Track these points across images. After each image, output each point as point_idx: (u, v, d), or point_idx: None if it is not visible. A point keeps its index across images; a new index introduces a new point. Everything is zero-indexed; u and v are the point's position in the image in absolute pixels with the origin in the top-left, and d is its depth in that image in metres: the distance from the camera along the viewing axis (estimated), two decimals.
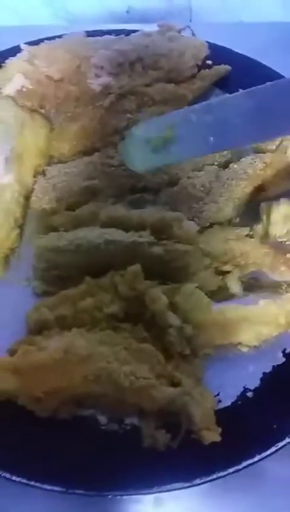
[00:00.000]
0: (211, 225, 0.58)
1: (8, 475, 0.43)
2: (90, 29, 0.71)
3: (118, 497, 0.44)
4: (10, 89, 0.65)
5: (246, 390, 0.49)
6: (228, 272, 0.55)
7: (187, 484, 0.43)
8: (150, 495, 0.48)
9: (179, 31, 0.70)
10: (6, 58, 0.67)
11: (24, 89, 0.65)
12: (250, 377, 0.50)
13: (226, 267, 0.53)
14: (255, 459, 0.44)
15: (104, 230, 0.54)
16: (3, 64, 0.67)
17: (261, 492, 0.49)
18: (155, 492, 0.43)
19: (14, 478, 0.43)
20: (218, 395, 0.48)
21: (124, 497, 0.46)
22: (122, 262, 0.52)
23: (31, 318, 0.51)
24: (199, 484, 0.43)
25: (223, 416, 0.46)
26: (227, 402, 0.48)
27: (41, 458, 0.44)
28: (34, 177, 0.61)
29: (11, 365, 0.46)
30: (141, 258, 0.52)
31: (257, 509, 0.49)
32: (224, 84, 0.69)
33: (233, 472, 0.44)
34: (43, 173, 0.61)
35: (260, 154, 0.60)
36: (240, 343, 0.51)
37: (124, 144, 0.59)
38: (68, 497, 0.46)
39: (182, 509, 0.49)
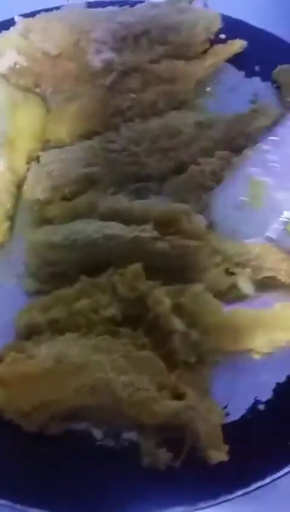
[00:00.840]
0: None
1: None
2: None
3: None
4: (1, 66, 0.60)
5: (257, 402, 0.44)
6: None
7: (190, 508, 0.39)
8: None
9: (190, 2, 0.63)
10: None
11: (17, 66, 0.60)
12: (262, 388, 0.45)
13: (238, 270, 0.48)
14: (267, 480, 0.40)
15: (103, 224, 0.50)
16: None
17: (273, 502, 0.45)
18: None
19: None
20: (226, 407, 0.44)
21: None
22: (123, 260, 0.48)
23: (21, 321, 0.47)
24: (203, 508, 0.39)
25: (231, 431, 0.41)
26: (236, 415, 0.43)
27: (29, 478, 0.40)
28: (28, 163, 0.56)
29: None
30: (143, 255, 0.47)
31: None
32: (238, 60, 0.63)
33: (242, 495, 0.39)
34: (38, 159, 0.56)
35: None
36: (252, 350, 0.46)
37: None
38: None
39: None
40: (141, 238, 0.48)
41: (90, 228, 0.49)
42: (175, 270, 0.48)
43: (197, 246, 0.48)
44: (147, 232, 0.48)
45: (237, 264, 0.48)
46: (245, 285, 0.48)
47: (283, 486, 0.43)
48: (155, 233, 0.48)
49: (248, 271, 0.48)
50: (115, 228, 0.49)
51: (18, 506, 0.38)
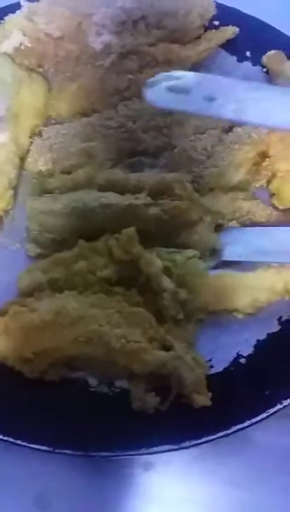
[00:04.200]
0: (211, 190, 0.57)
1: None
2: None
3: (105, 458, 0.44)
4: (8, 46, 0.63)
5: (239, 356, 0.48)
6: None
7: (175, 447, 0.43)
8: (139, 458, 0.48)
9: None
10: (6, 15, 0.65)
11: (22, 47, 0.63)
12: (244, 344, 0.49)
13: (232, 223, 0.53)
14: (245, 424, 0.44)
15: (100, 194, 0.53)
16: (1, 21, 0.65)
17: (249, 458, 0.49)
18: (143, 454, 0.43)
19: (0, 437, 0.42)
20: (210, 360, 0.48)
21: (113, 459, 0.45)
22: (118, 226, 0.51)
23: (23, 280, 0.50)
24: (187, 447, 0.43)
25: (214, 381, 0.45)
26: (219, 367, 0.48)
27: (29, 418, 0.44)
28: (30, 137, 0.60)
29: (1, 325, 0.45)
30: (138, 221, 0.51)
31: (244, 474, 0.49)
32: (231, 46, 0.67)
33: (222, 436, 0.43)
34: (40, 134, 0.60)
35: None
36: (235, 310, 0.50)
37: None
38: (59, 460, 0.47)
39: (171, 472, 0.49)
40: (135, 206, 0.51)
41: (89, 197, 0.52)
42: (167, 234, 0.52)
43: (187, 206, 0.52)
44: (141, 199, 0.52)
45: (230, 220, 0.53)
46: None
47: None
48: (148, 200, 0.52)
49: None
50: (112, 197, 0.52)
51: (19, 441, 0.42)
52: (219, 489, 0.49)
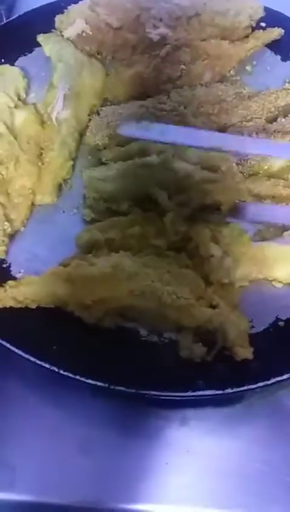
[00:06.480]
0: (254, 175, 0.61)
1: (55, 369, 0.47)
2: None
3: (154, 397, 0.47)
4: (71, 32, 0.69)
5: (277, 319, 0.52)
6: None
7: (219, 392, 0.46)
8: (177, 412, 0.52)
9: None
10: (70, 5, 0.71)
11: (84, 34, 0.68)
12: (282, 309, 0.53)
13: None
14: (284, 376, 0.47)
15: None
16: (65, 10, 0.71)
17: (278, 420, 0.52)
18: (190, 397, 0.47)
19: (61, 372, 0.46)
20: (251, 321, 0.51)
21: (162, 399, 0.49)
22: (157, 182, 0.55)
23: (82, 238, 0.55)
24: (230, 393, 0.47)
25: (255, 339, 0.49)
26: (260, 328, 0.51)
27: (87, 358, 0.48)
28: (89, 115, 0.65)
29: (64, 274, 0.50)
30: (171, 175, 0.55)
31: (272, 435, 0.52)
32: (276, 46, 0.72)
33: (263, 386, 0.47)
34: (98, 113, 0.65)
35: None
36: (275, 279, 0.54)
37: None
38: (102, 412, 0.51)
39: (204, 429, 0.52)
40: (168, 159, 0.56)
41: (137, 161, 0.57)
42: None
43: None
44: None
45: None
46: None
47: None
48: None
49: None
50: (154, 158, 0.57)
51: (77, 377, 0.46)
52: (243, 446, 0.51)
